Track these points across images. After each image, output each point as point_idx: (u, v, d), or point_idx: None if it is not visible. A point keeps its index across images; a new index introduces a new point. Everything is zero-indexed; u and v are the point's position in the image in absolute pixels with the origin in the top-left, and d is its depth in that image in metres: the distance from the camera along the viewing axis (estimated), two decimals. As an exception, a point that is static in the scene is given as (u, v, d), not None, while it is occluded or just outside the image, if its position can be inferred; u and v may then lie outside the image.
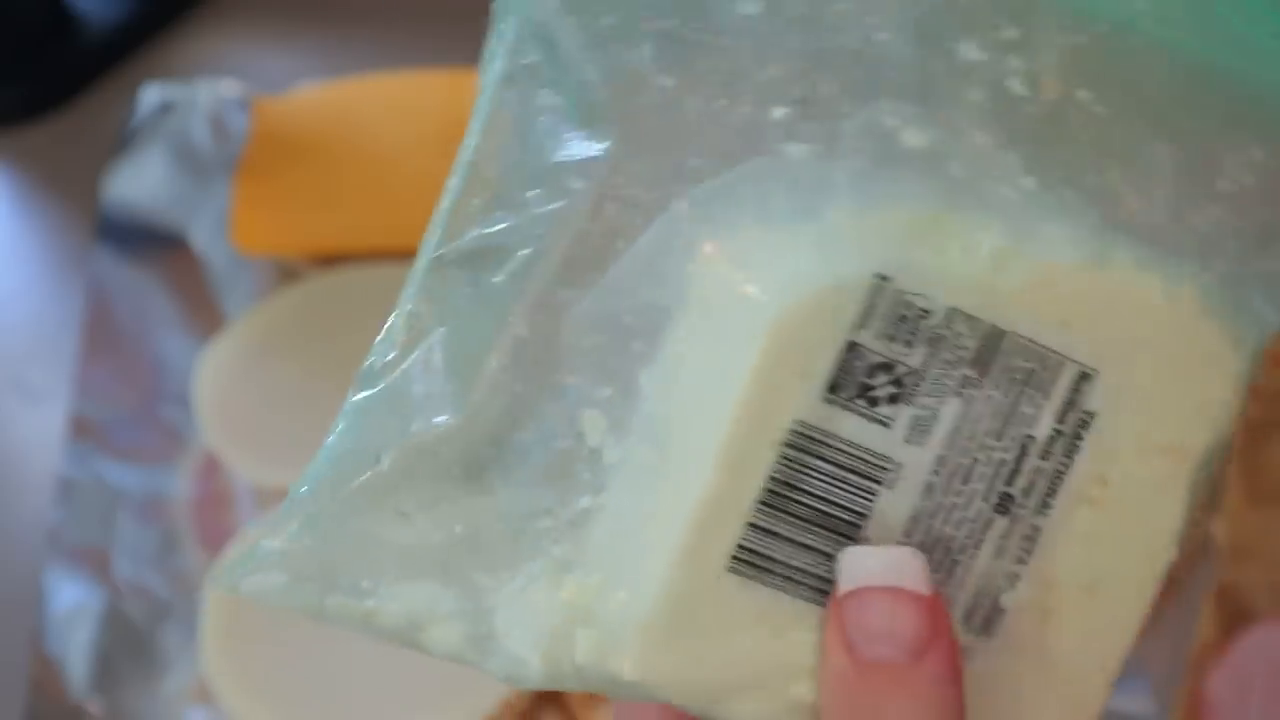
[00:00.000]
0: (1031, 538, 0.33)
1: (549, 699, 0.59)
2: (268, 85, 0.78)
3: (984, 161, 0.32)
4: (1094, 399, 0.32)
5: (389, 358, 0.33)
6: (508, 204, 0.33)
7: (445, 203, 0.33)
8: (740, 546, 0.32)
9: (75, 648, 0.61)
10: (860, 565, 0.32)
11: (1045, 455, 0.33)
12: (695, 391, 0.32)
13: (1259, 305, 0.33)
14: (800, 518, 0.32)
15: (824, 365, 0.31)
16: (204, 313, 0.71)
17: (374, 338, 0.76)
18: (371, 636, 0.33)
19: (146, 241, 0.73)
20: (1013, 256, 0.32)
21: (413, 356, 0.33)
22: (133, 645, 0.61)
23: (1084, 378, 0.32)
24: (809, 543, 0.32)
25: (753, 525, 0.32)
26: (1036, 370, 0.32)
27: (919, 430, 0.32)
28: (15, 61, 0.78)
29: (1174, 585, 0.33)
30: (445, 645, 0.33)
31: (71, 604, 0.62)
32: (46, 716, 0.59)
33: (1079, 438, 0.33)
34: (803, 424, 0.32)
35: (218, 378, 0.67)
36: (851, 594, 0.32)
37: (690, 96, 0.32)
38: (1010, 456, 0.33)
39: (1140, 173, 0.33)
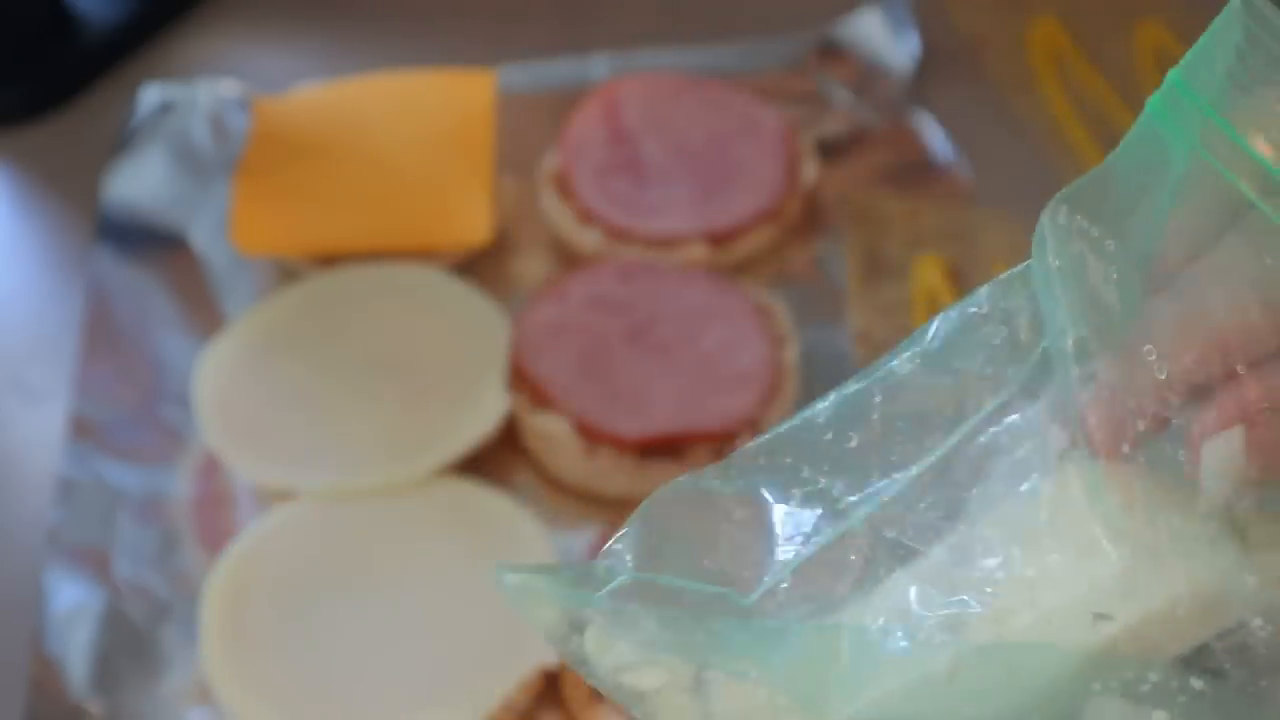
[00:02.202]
0: None
1: (549, 699, 0.58)
2: (268, 85, 0.78)
3: None
4: None
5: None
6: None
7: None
8: None
9: (75, 648, 0.61)
10: None
11: None
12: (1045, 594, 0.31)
13: None
14: None
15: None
16: (204, 313, 0.70)
17: (374, 337, 0.76)
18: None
19: (146, 241, 0.73)
20: None
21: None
22: (133, 645, 0.61)
23: None
24: None
25: None
26: None
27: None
28: (15, 61, 0.78)
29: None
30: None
31: (71, 604, 0.62)
32: (46, 716, 0.59)
33: None
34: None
35: (218, 378, 0.66)
36: None
37: None
38: None
39: None
